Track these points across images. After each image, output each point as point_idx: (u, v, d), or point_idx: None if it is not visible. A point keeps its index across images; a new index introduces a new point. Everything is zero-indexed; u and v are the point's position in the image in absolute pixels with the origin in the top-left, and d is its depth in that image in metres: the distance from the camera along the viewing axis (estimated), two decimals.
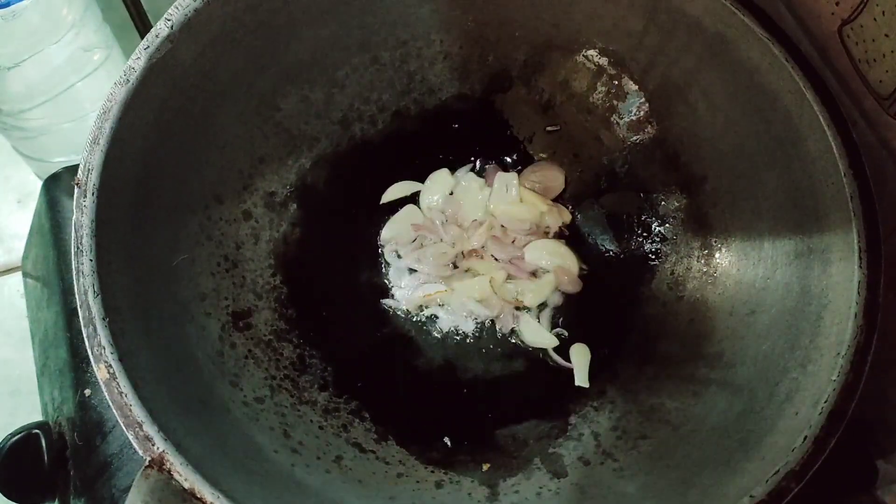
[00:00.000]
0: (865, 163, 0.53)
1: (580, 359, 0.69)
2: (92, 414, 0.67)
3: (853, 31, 0.55)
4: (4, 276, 1.17)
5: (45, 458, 0.67)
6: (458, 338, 0.71)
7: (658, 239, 0.71)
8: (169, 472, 0.47)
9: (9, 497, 0.65)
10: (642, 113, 0.70)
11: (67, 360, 0.70)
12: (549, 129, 0.75)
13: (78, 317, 0.51)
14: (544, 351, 0.70)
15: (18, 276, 1.07)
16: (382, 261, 0.74)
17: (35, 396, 0.78)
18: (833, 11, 0.57)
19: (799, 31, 0.61)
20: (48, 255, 0.77)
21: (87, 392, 0.68)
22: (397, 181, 0.75)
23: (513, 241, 0.74)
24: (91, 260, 0.51)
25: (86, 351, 0.50)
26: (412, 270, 0.73)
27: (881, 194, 0.54)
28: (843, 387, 0.50)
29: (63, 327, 0.72)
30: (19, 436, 0.67)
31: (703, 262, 0.67)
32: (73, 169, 0.79)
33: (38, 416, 0.74)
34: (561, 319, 0.71)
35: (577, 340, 0.70)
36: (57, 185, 0.81)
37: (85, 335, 0.50)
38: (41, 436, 0.68)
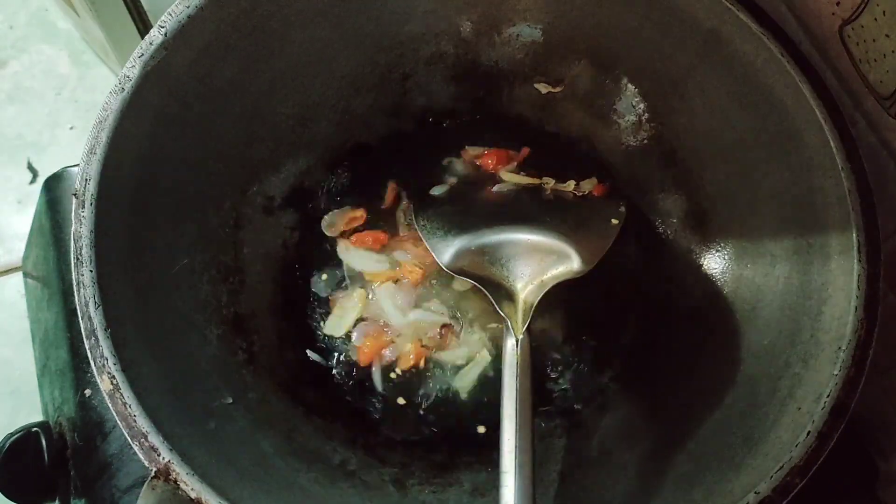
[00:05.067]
0: (863, 158, 0.53)
1: None
2: (92, 414, 0.68)
3: (854, 31, 0.55)
4: (5, 276, 1.17)
5: (46, 457, 0.67)
6: None
7: (657, 236, 0.71)
8: (175, 482, 0.47)
9: (9, 497, 0.65)
10: (639, 110, 0.70)
11: (68, 361, 0.70)
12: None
13: (78, 317, 0.51)
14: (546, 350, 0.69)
15: (19, 276, 1.07)
16: None
17: (35, 396, 0.78)
18: (834, 11, 0.56)
19: (799, 31, 0.60)
20: (48, 256, 0.77)
21: (88, 392, 0.68)
22: (395, 182, 0.74)
23: None
24: (91, 271, 0.51)
25: (86, 351, 0.50)
26: None
27: (881, 195, 0.54)
28: (845, 381, 0.50)
29: (63, 327, 0.72)
30: (19, 435, 0.68)
31: (702, 258, 0.67)
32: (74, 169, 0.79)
33: (38, 416, 0.74)
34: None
35: (578, 339, 0.69)
36: (57, 185, 0.81)
37: (87, 347, 0.50)
38: (41, 435, 0.68)
